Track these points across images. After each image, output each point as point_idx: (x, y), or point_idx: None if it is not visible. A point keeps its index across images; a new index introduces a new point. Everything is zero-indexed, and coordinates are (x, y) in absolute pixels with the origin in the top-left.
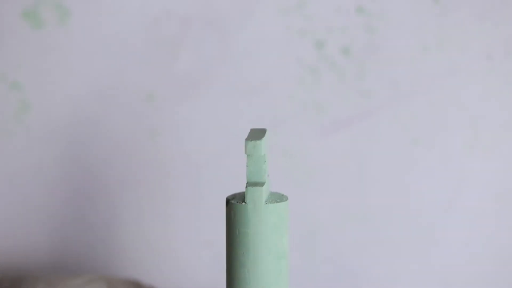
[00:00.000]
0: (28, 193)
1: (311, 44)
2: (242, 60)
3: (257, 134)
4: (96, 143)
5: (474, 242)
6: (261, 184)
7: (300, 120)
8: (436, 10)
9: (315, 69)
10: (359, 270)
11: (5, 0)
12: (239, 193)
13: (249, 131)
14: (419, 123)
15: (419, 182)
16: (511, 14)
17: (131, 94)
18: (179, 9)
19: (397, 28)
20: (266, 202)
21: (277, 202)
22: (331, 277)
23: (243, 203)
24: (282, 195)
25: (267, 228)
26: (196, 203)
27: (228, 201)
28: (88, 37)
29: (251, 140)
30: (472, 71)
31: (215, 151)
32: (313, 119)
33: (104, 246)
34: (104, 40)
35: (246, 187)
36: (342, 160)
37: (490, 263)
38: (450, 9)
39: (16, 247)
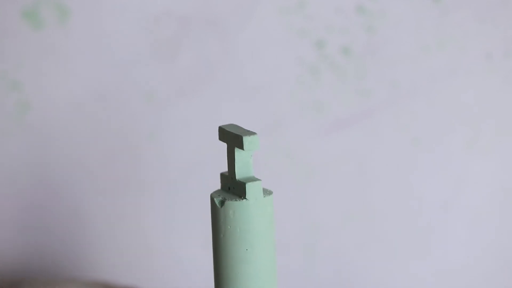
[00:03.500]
0: (28, 193)
1: (311, 44)
2: (242, 60)
3: (240, 130)
4: (96, 143)
5: (474, 242)
6: (255, 178)
7: (300, 120)
8: (436, 10)
9: (315, 69)
10: (359, 270)
11: (5, 0)
12: (218, 191)
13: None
14: (419, 123)
15: (419, 182)
16: (511, 14)
17: (131, 94)
18: (179, 9)
19: (397, 28)
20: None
21: (267, 193)
22: (331, 277)
23: (244, 199)
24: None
25: (268, 221)
26: (196, 204)
27: (223, 201)
28: (88, 37)
29: (248, 136)
30: (472, 71)
31: (215, 151)
32: (313, 119)
33: (103, 247)
34: (104, 40)
35: (244, 183)
36: (342, 160)
37: (491, 263)
38: (450, 9)
39: (16, 248)
